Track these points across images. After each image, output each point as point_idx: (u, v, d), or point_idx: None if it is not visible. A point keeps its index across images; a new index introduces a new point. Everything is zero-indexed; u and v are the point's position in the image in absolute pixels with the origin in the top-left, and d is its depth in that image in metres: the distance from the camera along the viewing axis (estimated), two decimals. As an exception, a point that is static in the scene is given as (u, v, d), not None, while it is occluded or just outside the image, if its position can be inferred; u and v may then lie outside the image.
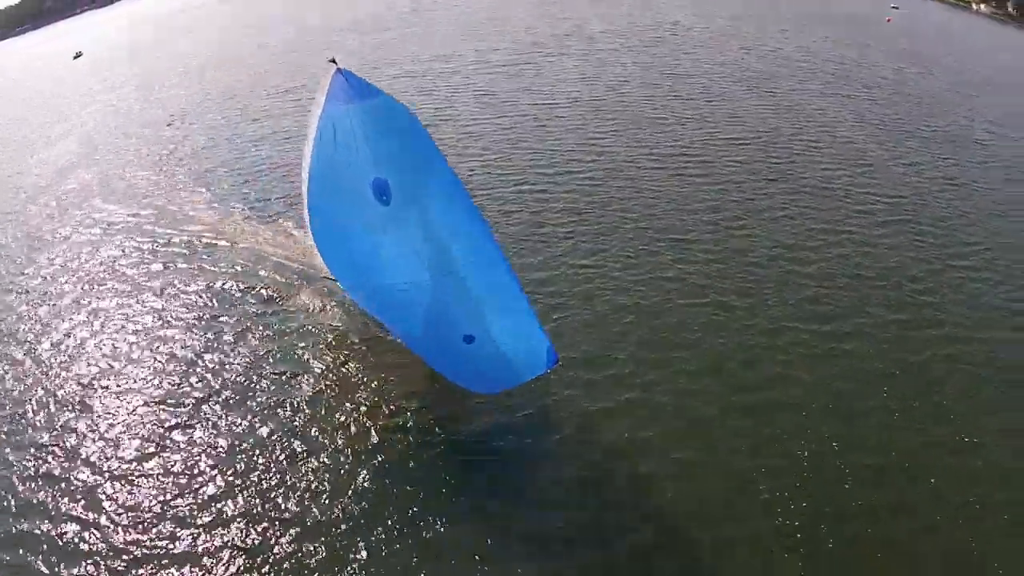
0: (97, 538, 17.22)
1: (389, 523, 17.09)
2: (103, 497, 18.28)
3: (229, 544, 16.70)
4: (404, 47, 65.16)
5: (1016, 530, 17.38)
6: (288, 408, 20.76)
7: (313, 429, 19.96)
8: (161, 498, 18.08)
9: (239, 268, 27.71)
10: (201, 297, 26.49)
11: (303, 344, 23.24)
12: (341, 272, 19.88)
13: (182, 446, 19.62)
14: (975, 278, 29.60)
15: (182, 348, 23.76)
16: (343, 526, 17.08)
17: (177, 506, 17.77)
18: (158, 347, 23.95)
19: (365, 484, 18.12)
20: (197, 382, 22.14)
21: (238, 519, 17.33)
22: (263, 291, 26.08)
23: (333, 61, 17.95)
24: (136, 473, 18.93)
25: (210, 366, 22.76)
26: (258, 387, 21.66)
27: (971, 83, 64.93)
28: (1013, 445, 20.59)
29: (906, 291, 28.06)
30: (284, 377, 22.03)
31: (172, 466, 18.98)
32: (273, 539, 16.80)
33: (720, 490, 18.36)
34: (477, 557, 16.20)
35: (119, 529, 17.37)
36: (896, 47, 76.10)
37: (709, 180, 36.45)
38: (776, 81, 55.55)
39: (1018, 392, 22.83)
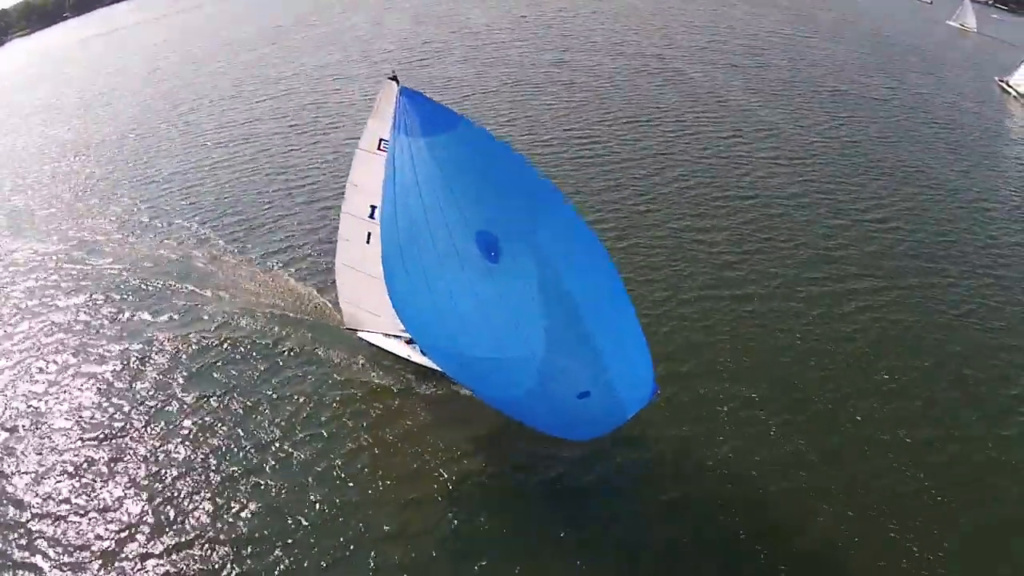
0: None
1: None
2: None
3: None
4: (299, 58, 61.61)
5: (933, 460, 18.06)
6: (338, 468, 18.10)
7: (370, 486, 17.53)
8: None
9: (237, 321, 23.70)
10: (210, 355, 22.46)
11: (336, 402, 20.15)
12: (426, 337, 16.47)
13: (220, 527, 16.84)
14: (886, 230, 29.31)
15: (197, 419, 20.03)
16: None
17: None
18: (153, 419, 20.20)
19: (441, 536, 16.25)
20: (229, 449, 18.89)
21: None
22: (277, 347, 22.40)
23: (394, 79, 15.07)
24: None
25: (240, 431, 19.47)
26: (298, 448, 18.80)
27: (870, 42, 66.48)
28: (934, 388, 20.53)
29: (817, 248, 27.49)
30: (325, 436, 19.08)
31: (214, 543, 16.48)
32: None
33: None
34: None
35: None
36: (790, 11, 77.32)
37: (607, 161, 35.15)
38: (665, 60, 54.92)
39: (936, 341, 22.61)
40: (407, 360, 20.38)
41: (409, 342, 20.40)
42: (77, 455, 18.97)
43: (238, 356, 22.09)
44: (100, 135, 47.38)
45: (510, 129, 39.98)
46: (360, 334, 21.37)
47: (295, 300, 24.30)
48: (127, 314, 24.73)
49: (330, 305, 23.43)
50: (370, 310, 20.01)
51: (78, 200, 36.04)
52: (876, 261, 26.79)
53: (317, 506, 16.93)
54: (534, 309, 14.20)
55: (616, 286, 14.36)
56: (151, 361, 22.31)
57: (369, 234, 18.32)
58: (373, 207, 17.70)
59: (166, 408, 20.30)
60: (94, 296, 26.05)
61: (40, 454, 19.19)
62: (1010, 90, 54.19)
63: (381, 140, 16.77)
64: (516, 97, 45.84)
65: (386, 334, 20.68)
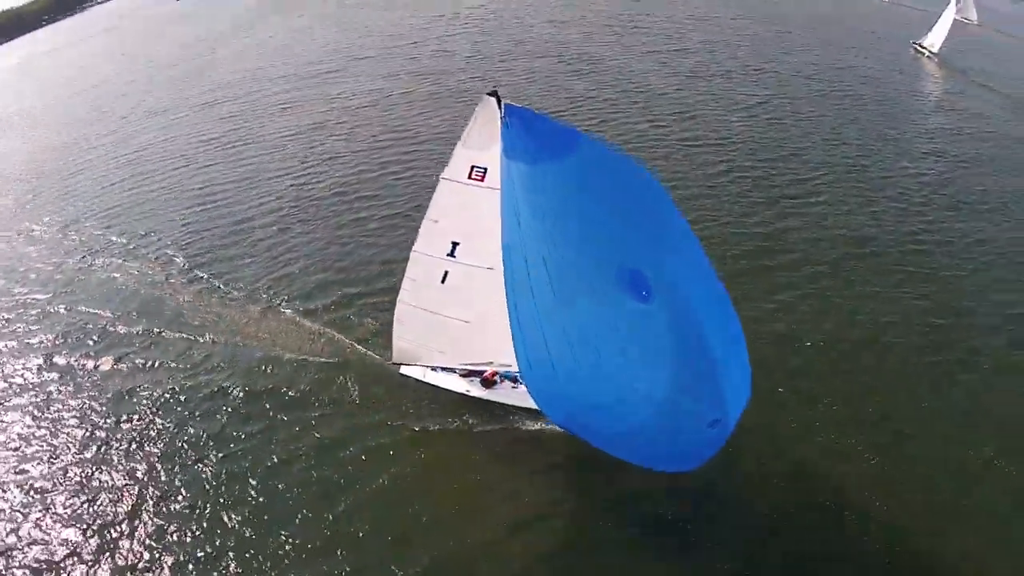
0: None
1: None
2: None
3: None
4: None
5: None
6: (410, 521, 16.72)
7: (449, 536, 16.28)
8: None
9: (242, 365, 21.65)
10: (219, 407, 20.36)
11: (385, 448, 18.53)
12: (549, 384, 14.81)
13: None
14: (812, 202, 29.40)
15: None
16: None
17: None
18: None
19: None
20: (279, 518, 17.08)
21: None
22: (290, 392, 20.44)
23: (495, 95, 13.38)
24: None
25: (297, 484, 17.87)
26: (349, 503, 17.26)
27: (788, 18, 65.80)
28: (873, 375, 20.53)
29: (743, 231, 27.15)
30: (381, 488, 17.52)
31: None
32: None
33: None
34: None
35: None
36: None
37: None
38: (580, 48, 53.94)
39: (871, 316, 22.86)
40: (464, 395, 19.19)
41: (466, 375, 19.37)
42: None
43: (248, 406, 20.11)
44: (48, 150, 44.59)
45: (417, 135, 38.67)
46: (405, 370, 19.93)
47: (308, 339, 22.52)
48: (90, 361, 22.63)
49: (352, 342, 22.01)
50: (435, 347, 18.86)
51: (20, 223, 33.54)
52: (807, 244, 26.61)
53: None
54: (675, 344, 13.29)
55: (731, 309, 13.46)
56: (143, 420, 20.19)
57: (446, 272, 17.05)
58: (455, 244, 16.48)
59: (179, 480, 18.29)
60: (51, 339, 23.98)
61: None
62: (924, 51, 56.49)
63: (474, 168, 15.02)
64: (430, 98, 44.37)
65: (435, 368, 19.59)
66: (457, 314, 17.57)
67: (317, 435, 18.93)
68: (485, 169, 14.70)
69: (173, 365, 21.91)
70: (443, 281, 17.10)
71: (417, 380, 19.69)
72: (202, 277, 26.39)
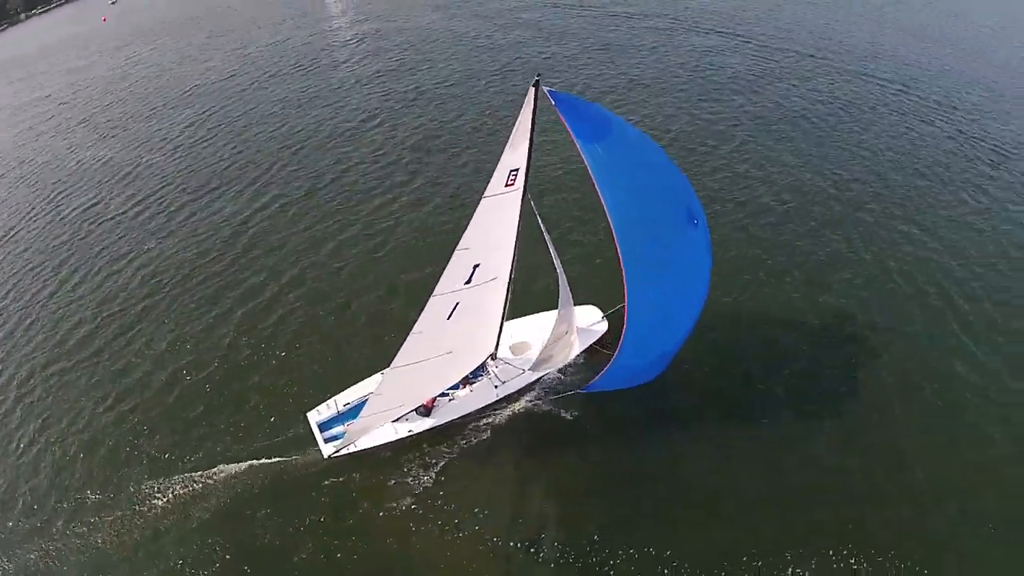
0: None
1: None
2: None
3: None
4: None
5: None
6: None
7: None
8: None
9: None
10: None
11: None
12: (658, 326, 15.48)
13: None
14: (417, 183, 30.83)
15: None
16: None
17: None
18: None
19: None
20: None
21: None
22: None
23: (537, 85, 12.31)
24: None
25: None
26: None
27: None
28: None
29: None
30: None
31: None
32: None
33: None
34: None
35: None
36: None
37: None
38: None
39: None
40: (398, 441, 17.83)
41: (396, 419, 17.68)
42: None
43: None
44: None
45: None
46: (333, 453, 17.48)
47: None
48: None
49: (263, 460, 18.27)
50: (398, 401, 16.88)
51: None
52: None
53: None
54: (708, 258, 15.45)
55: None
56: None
57: (456, 305, 14.53)
58: (476, 267, 14.15)
59: None
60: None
61: None
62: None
63: (510, 172, 13.29)
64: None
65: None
66: (442, 348, 15.80)
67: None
68: (517, 170, 13.28)
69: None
70: (449, 317, 15.04)
71: (349, 453, 17.47)
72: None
